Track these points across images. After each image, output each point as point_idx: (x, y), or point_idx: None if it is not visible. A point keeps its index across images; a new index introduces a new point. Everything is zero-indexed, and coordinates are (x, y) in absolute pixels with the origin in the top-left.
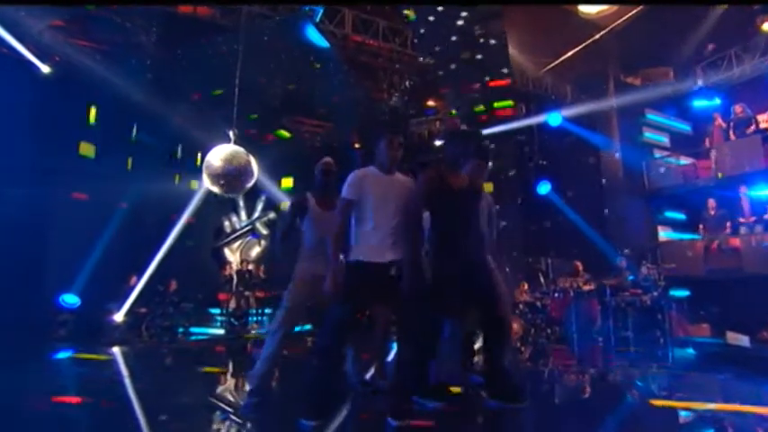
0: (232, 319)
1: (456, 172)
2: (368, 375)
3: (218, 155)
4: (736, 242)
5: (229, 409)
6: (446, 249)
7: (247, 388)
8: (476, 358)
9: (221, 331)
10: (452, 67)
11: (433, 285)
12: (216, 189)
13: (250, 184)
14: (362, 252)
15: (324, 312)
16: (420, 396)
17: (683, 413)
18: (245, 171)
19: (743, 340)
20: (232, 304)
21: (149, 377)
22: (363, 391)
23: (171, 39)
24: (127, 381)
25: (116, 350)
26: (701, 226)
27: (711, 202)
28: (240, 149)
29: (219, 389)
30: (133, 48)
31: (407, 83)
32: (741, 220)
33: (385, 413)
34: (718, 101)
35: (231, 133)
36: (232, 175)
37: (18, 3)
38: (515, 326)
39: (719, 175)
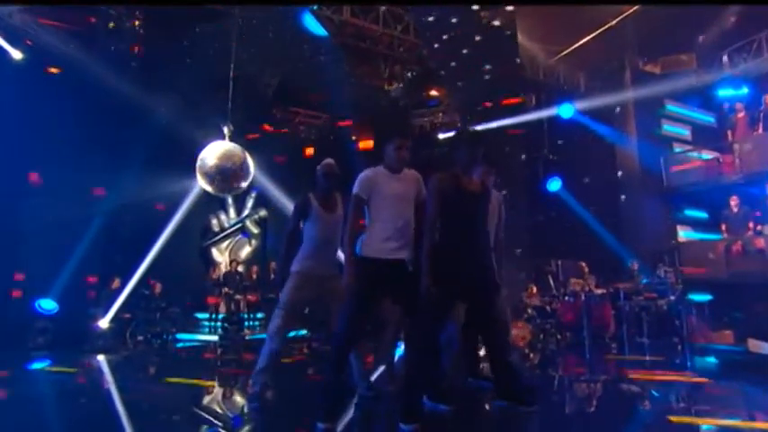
0: (226, 324)
1: (468, 176)
2: (371, 379)
3: (213, 152)
4: (760, 243)
5: (229, 416)
6: (454, 253)
7: (248, 392)
8: (482, 364)
9: (214, 337)
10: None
11: (439, 287)
12: (210, 188)
13: (246, 184)
14: (373, 249)
15: (321, 317)
16: (430, 399)
17: (699, 428)
18: (240, 170)
19: (765, 348)
20: (222, 308)
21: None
22: (366, 395)
23: (158, 24)
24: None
25: (101, 359)
26: (722, 225)
27: (734, 200)
28: (236, 147)
29: (218, 398)
30: (116, 33)
31: (409, 74)
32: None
33: (395, 417)
34: (745, 90)
35: (226, 129)
36: (227, 174)
37: (18, 3)
38: (524, 331)
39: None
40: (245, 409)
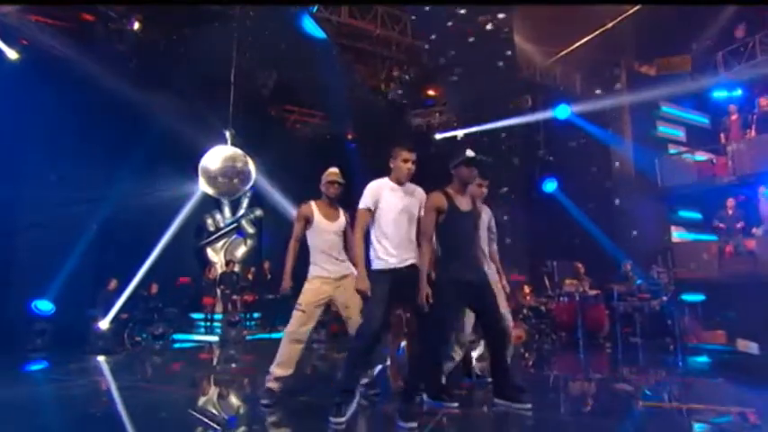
0: (226, 325)
1: (462, 193)
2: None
3: (215, 157)
4: (751, 244)
5: (243, 411)
6: (451, 265)
7: (263, 388)
8: (477, 364)
9: (211, 338)
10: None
11: (439, 296)
12: (212, 191)
13: (248, 187)
14: (384, 261)
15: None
16: (430, 397)
17: (683, 420)
18: (242, 173)
19: (752, 347)
20: (218, 308)
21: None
22: (366, 393)
23: (157, 24)
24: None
25: (101, 359)
26: (719, 224)
27: (731, 202)
28: (237, 151)
29: (231, 395)
30: (115, 33)
31: (407, 76)
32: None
33: (394, 415)
34: (739, 92)
35: (228, 134)
36: (229, 178)
37: (18, 2)
38: (519, 332)
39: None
40: (260, 405)
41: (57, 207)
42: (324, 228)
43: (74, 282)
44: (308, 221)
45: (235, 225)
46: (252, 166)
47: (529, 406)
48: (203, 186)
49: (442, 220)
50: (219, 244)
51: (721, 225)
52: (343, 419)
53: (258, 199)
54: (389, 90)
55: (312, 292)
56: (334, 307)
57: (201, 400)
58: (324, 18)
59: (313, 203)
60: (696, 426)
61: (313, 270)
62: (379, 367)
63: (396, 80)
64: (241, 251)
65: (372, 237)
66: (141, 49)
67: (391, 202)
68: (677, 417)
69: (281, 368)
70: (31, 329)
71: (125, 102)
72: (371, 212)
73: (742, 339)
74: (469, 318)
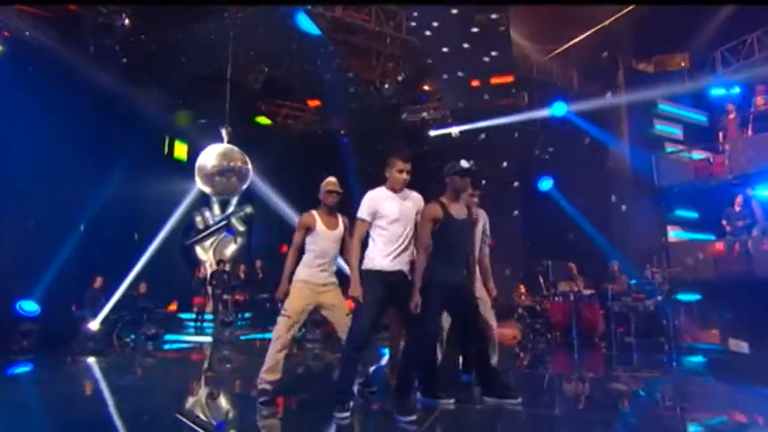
0: (220, 325)
1: (457, 202)
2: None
3: (212, 154)
4: (748, 244)
5: (245, 410)
6: (441, 269)
7: (257, 389)
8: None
9: (202, 338)
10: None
11: (427, 297)
12: (209, 190)
13: (245, 186)
14: (376, 263)
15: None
16: (425, 395)
17: (676, 417)
18: (240, 172)
19: (743, 347)
20: (209, 308)
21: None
22: (363, 391)
23: (148, 20)
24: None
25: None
26: (723, 222)
27: (739, 199)
28: (234, 149)
29: (227, 396)
30: (104, 27)
31: (403, 74)
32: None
33: (392, 411)
34: (737, 89)
35: (224, 131)
36: (226, 176)
37: (18, 2)
38: (514, 331)
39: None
40: (256, 406)
41: (41, 205)
42: (324, 236)
43: (59, 282)
44: (309, 229)
45: (224, 223)
46: (249, 163)
47: (519, 400)
48: (200, 185)
49: (438, 229)
50: (208, 242)
51: (728, 226)
52: (347, 414)
53: (248, 196)
54: (383, 85)
55: (297, 297)
56: (321, 310)
57: (203, 400)
58: (318, 13)
59: (315, 212)
60: (689, 424)
61: (300, 272)
62: (373, 366)
63: (390, 75)
64: (231, 249)
65: (370, 239)
66: (131, 44)
67: (389, 210)
68: (670, 414)
69: (268, 374)
70: (17, 331)
71: (113, 97)
72: (369, 224)
73: (733, 339)
74: (447, 318)
